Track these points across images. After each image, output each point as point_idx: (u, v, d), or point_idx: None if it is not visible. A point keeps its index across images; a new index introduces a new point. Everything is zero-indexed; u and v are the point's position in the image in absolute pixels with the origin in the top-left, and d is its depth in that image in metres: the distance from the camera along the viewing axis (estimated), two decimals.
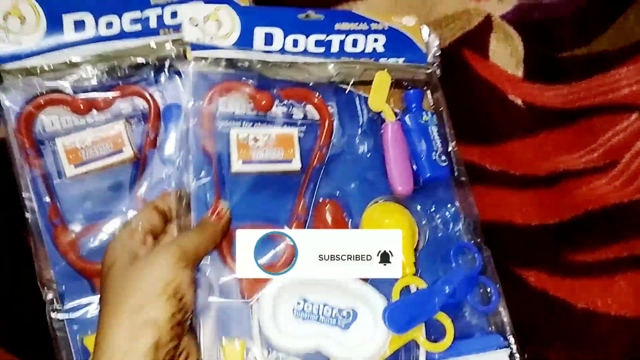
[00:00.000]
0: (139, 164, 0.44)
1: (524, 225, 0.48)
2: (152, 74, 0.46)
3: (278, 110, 0.46)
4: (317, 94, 0.46)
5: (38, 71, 0.44)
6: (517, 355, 0.41)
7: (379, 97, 0.47)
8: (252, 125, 0.46)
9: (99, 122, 0.45)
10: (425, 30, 0.50)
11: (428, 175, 0.45)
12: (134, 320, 0.32)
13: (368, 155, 0.46)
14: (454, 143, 0.47)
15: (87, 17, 0.45)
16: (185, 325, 0.35)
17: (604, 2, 0.53)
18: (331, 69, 0.47)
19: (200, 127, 0.43)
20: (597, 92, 0.52)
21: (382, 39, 0.49)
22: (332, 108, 0.47)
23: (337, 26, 0.48)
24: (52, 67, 0.44)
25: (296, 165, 0.44)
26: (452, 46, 0.54)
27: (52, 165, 0.43)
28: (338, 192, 0.45)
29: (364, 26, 0.48)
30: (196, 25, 0.45)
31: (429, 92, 0.49)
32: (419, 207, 0.46)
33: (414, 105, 0.48)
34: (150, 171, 0.44)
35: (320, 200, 0.44)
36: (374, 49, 0.49)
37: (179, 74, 0.47)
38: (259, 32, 0.46)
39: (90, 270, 0.41)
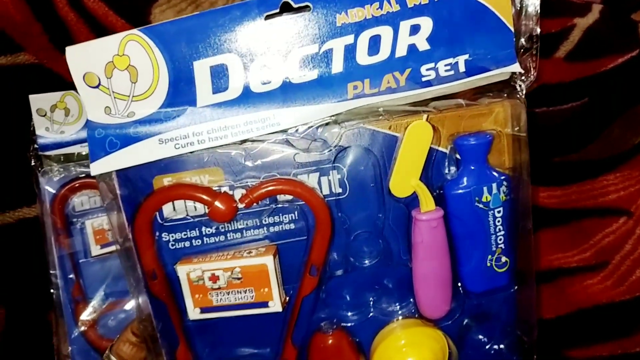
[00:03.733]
0: None
1: None
2: None
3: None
4: (309, 186, 0.33)
5: (75, 157, 0.48)
6: None
7: (408, 173, 0.31)
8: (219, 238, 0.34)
9: None
10: None
11: (477, 290, 0.33)
12: None
13: (386, 264, 0.34)
14: (530, 223, 0.33)
15: None
16: None
17: (591, 116, 0.59)
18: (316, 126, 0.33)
19: (141, 260, 0.34)
20: (587, 195, 0.55)
21: (426, 24, 0.30)
22: (330, 180, 0.33)
23: (340, 19, 0.31)
24: (88, 154, 0.49)
25: (276, 308, 0.33)
26: None
27: (80, 244, 0.46)
28: (340, 319, 0.35)
29: (392, 5, 0.30)
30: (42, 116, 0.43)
31: (508, 122, 0.31)
32: (455, 327, 0.34)
33: (470, 170, 0.30)
34: None
35: (320, 330, 0.34)
36: (412, 47, 0.31)
37: None
38: None
39: (107, 348, 0.43)
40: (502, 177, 0.33)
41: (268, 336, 0.35)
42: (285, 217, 0.35)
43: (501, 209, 0.32)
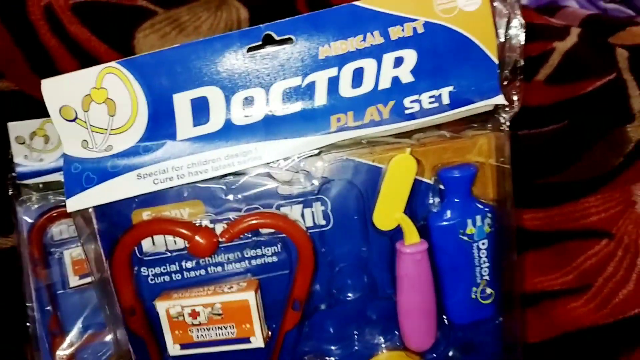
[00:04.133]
0: None
1: None
2: None
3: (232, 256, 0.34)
4: (292, 220, 0.32)
5: (54, 185, 0.48)
6: None
7: (392, 206, 0.31)
8: (199, 272, 0.34)
9: None
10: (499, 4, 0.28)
11: (461, 322, 0.33)
12: None
13: (370, 298, 0.33)
14: (514, 254, 0.33)
15: None
16: None
17: (571, 138, 0.59)
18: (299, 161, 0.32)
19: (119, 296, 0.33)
20: (569, 218, 0.56)
21: (410, 56, 0.30)
22: (313, 212, 0.33)
23: (323, 52, 0.31)
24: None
25: (258, 343, 0.32)
26: None
27: (57, 275, 0.45)
28: (324, 353, 0.34)
29: (375, 38, 0.30)
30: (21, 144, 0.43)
31: (493, 153, 0.32)
32: (440, 354, 0.34)
33: (454, 202, 0.31)
34: None
35: None
36: (396, 79, 0.30)
37: None
38: None
39: None
40: (487, 209, 0.33)
41: None
42: (268, 250, 0.34)
43: (486, 240, 0.32)
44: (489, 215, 0.32)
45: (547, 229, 0.56)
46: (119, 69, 0.32)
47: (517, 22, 0.31)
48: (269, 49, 0.32)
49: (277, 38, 0.32)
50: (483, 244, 0.32)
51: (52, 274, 0.45)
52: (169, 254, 0.34)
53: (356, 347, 0.35)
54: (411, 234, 0.32)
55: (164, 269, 0.34)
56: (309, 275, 0.33)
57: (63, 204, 0.46)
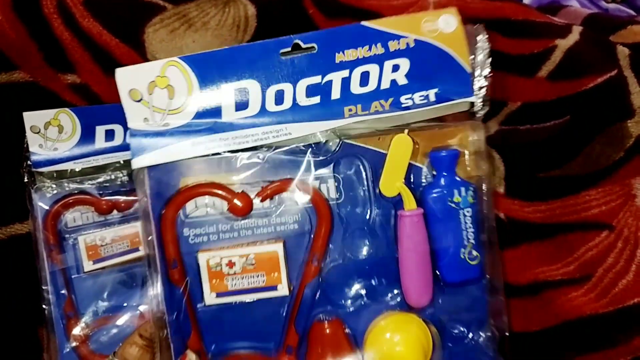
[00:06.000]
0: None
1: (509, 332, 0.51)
2: None
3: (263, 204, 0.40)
4: (313, 186, 0.38)
5: (68, 173, 0.49)
6: None
7: (394, 176, 0.38)
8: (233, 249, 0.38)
9: (117, 221, 0.49)
10: (471, 29, 0.36)
11: (453, 280, 0.38)
12: None
13: (377, 256, 0.39)
14: (493, 229, 0.40)
15: (117, 128, 0.51)
16: None
17: (572, 133, 0.60)
18: (322, 136, 0.39)
19: (163, 249, 0.38)
20: (571, 210, 0.57)
21: (404, 64, 0.37)
22: (332, 187, 0.39)
23: (339, 57, 0.38)
24: (81, 170, 0.49)
25: (283, 291, 0.38)
26: None
27: (72, 260, 0.46)
28: (337, 308, 0.39)
29: (378, 49, 0.38)
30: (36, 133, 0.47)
31: (470, 144, 0.40)
32: (436, 314, 0.39)
33: (443, 176, 0.38)
34: None
35: (318, 319, 0.38)
36: (394, 81, 0.38)
37: None
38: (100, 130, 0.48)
39: None
40: (469, 185, 0.40)
41: (273, 326, 0.40)
42: (290, 218, 0.41)
43: (470, 209, 0.39)
44: (471, 189, 0.40)
45: (549, 222, 0.57)
46: (180, 63, 0.40)
47: (482, 38, 0.39)
48: (297, 54, 0.40)
49: (303, 46, 0.40)
50: (468, 211, 0.39)
51: (66, 259, 0.46)
52: (209, 217, 0.40)
53: (365, 301, 0.40)
54: (410, 201, 0.39)
55: (203, 231, 0.40)
56: (327, 233, 0.39)
57: (77, 191, 0.48)
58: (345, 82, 0.39)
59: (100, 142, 0.50)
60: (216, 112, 0.40)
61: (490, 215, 0.41)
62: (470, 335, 0.40)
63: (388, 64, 0.38)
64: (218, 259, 0.37)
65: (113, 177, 0.50)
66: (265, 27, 0.61)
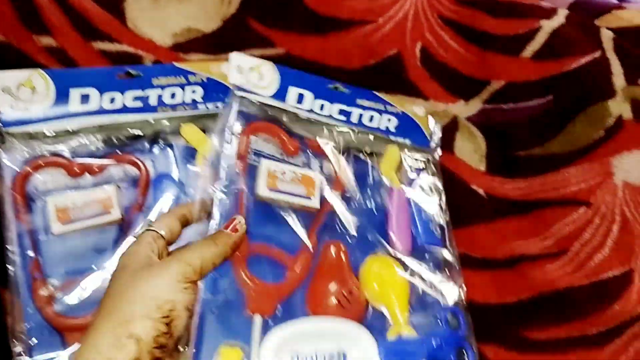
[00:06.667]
0: (124, 227, 0.47)
1: (483, 304, 0.51)
2: (147, 146, 0.50)
3: (299, 159, 0.50)
4: (336, 151, 0.51)
5: (40, 136, 0.48)
6: None
7: (390, 165, 0.52)
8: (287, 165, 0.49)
9: (90, 185, 0.48)
10: (431, 120, 0.57)
11: (425, 241, 0.50)
12: (119, 331, 0.32)
13: (374, 213, 0.50)
14: (447, 217, 0.52)
15: (93, 92, 0.50)
16: (167, 349, 0.34)
17: (555, 112, 0.60)
18: (350, 135, 0.53)
19: (235, 152, 0.47)
20: (550, 187, 0.57)
21: (394, 120, 0.55)
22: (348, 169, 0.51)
23: (359, 101, 0.54)
24: (54, 134, 0.48)
25: (315, 203, 0.48)
26: None
27: (40, 221, 0.45)
28: (343, 239, 0.48)
29: (380, 106, 0.55)
30: (240, 73, 0.52)
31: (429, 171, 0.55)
32: (413, 268, 0.49)
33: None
34: (135, 233, 0.46)
35: (327, 240, 0.47)
36: (387, 127, 0.55)
37: (171, 147, 0.51)
38: (293, 91, 0.53)
39: (64, 325, 0.42)
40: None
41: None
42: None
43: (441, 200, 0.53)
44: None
45: (528, 198, 0.57)
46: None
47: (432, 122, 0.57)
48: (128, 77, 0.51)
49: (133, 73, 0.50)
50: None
51: (34, 220, 0.45)
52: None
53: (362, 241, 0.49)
54: (397, 184, 0.52)
55: None
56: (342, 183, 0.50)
57: (49, 153, 0.47)
58: (360, 115, 0.54)
59: (74, 106, 0.49)
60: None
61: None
62: (438, 289, 0.49)
63: (385, 116, 0.56)
64: (276, 167, 0.47)
65: (87, 141, 0.49)
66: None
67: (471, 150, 0.60)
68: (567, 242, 0.54)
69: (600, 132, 0.58)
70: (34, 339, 0.42)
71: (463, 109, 0.62)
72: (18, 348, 0.41)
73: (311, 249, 0.46)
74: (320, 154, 0.51)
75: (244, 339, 0.41)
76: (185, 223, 0.42)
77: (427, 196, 0.52)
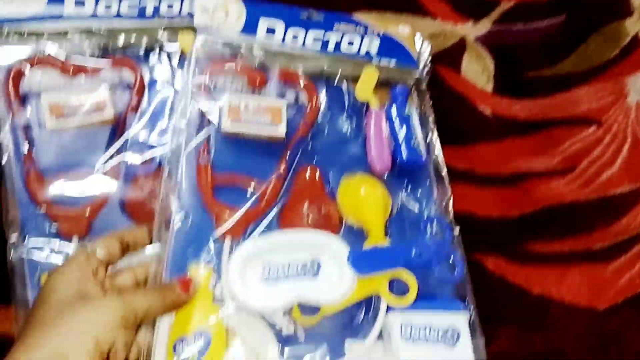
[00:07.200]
0: (118, 127, 0.46)
1: (485, 217, 0.50)
2: (142, 53, 0.49)
3: (271, 90, 0.48)
4: (307, 77, 0.49)
5: (34, 36, 0.47)
6: (476, 321, 0.42)
7: (366, 87, 0.49)
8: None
9: (84, 85, 0.47)
10: (418, 38, 0.53)
11: (405, 158, 0.47)
12: None
13: (350, 137, 0.49)
14: (435, 135, 0.50)
15: None
16: None
17: (568, 31, 0.58)
18: (324, 63, 0.50)
19: (198, 92, 0.46)
20: (559, 107, 0.55)
21: (376, 42, 0.52)
22: (322, 94, 0.49)
23: (336, 26, 0.51)
24: (48, 35, 0.47)
25: (281, 130, 0.46)
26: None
27: (34, 117, 0.45)
28: (320, 162, 0.47)
29: (360, 30, 0.52)
30: (206, 14, 0.49)
31: (415, 93, 0.52)
32: (394, 184, 0.47)
33: (399, 99, 0.50)
34: (128, 134, 0.46)
35: (302, 166, 0.46)
36: (368, 51, 0.52)
37: (167, 56, 0.50)
38: (263, 24, 0.50)
39: (57, 214, 0.42)
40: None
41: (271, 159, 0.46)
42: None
43: (417, 121, 0.50)
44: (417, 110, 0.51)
45: (536, 118, 0.55)
46: None
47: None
48: None
49: None
50: (416, 119, 0.50)
51: (29, 117, 0.44)
52: None
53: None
54: (375, 105, 0.49)
55: None
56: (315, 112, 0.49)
57: (43, 52, 0.46)
58: (338, 42, 0.51)
59: (69, 8, 0.48)
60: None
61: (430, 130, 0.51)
62: (425, 201, 0.48)
63: (366, 39, 0.51)
64: (238, 101, 0.46)
65: (81, 45, 0.48)
66: None
67: (479, 71, 0.58)
68: (575, 160, 0.52)
69: (615, 51, 0.55)
70: (27, 227, 0.42)
71: (471, 30, 0.60)
72: (13, 236, 0.41)
73: (282, 176, 0.45)
74: (293, 84, 0.49)
75: (215, 263, 0.41)
76: (126, 248, 0.39)
77: (409, 114, 0.49)
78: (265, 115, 0.46)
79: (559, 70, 0.57)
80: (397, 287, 0.42)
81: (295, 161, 0.46)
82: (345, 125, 0.49)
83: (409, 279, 0.42)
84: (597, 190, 0.51)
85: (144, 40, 0.49)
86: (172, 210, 0.42)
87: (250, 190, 0.44)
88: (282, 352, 0.40)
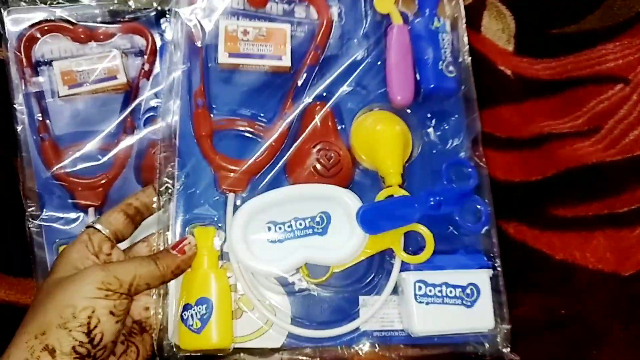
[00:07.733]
0: (131, 93, 0.45)
1: (506, 181, 0.48)
2: (154, 18, 0.48)
3: (279, 7, 0.44)
4: None
5: (46, 3, 0.46)
6: (500, 277, 0.40)
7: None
8: (249, 21, 0.43)
9: (96, 52, 0.46)
10: None
11: (432, 85, 0.41)
12: (33, 344, 0.30)
13: (368, 61, 0.43)
14: (467, 56, 0.44)
15: None
16: (96, 358, 0.32)
17: None
18: None
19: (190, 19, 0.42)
20: (584, 65, 0.53)
21: None
22: (335, 8, 0.44)
23: None
24: (58, 1, 0.46)
25: (286, 62, 0.41)
26: None
27: (47, 85, 0.44)
28: (331, 96, 0.42)
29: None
30: None
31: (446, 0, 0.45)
32: (417, 119, 0.42)
33: (427, 10, 0.43)
34: (141, 100, 0.45)
35: (311, 103, 0.41)
36: None
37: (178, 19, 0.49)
38: None
39: (72, 183, 0.42)
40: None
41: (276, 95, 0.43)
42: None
43: (446, 34, 0.44)
44: (448, 22, 0.45)
45: (559, 77, 0.53)
46: None
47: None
48: None
49: None
50: (445, 35, 0.44)
51: (41, 84, 0.44)
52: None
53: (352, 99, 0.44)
54: (397, 19, 0.44)
55: None
56: (328, 27, 0.44)
57: (54, 18, 0.45)
58: None
59: None
60: None
61: (463, 49, 0.45)
62: (450, 141, 0.44)
63: None
64: (235, 26, 0.42)
65: (93, 10, 0.47)
66: None
67: (499, 30, 0.56)
68: (600, 120, 0.51)
69: None
70: (44, 197, 0.42)
71: None
72: (31, 206, 0.41)
73: (288, 116, 0.40)
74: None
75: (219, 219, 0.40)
76: (136, 213, 0.38)
77: (437, 29, 0.42)
78: (268, 44, 0.41)
79: (584, 26, 0.54)
80: (414, 240, 0.39)
81: (304, 97, 0.41)
82: (360, 45, 0.43)
83: (425, 233, 0.39)
84: (623, 151, 0.49)
85: (156, 5, 0.48)
86: (172, 170, 0.40)
87: (252, 135, 0.41)
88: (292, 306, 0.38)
